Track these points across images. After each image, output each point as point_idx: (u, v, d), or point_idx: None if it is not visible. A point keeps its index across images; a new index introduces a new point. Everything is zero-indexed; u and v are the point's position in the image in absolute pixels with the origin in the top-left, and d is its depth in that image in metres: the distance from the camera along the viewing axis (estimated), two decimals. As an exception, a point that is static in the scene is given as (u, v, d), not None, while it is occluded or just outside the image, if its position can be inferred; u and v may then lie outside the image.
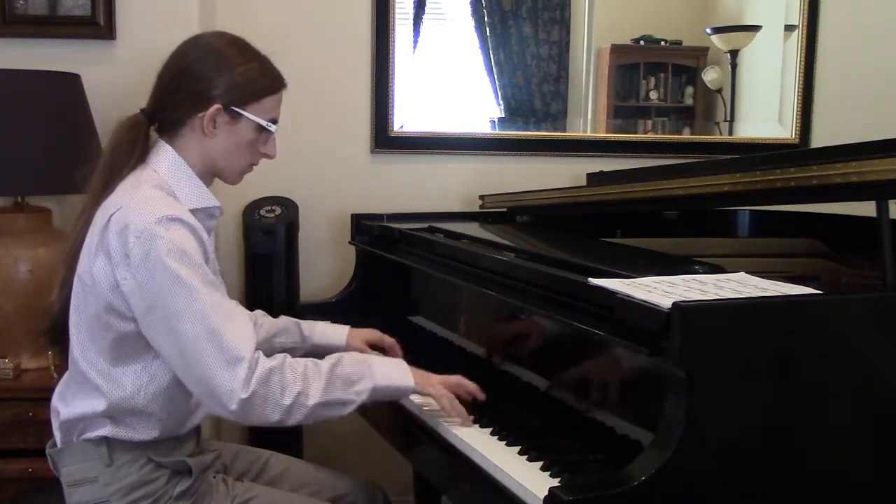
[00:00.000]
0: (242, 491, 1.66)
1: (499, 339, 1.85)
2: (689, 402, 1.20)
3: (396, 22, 2.76)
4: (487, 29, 2.87)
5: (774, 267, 1.84)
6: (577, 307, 1.47)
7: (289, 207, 2.68)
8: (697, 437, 1.21)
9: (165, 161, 1.59)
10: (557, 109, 2.93)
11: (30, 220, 2.30)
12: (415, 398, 1.69)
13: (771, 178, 1.68)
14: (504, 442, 1.49)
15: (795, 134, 2.93)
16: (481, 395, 1.65)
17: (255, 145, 1.64)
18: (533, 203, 2.47)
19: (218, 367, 1.44)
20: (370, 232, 2.43)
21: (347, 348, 1.88)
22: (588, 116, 2.96)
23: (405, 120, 2.82)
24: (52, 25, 2.44)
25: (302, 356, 1.58)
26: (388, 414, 1.80)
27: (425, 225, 2.29)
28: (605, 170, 2.57)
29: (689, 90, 2.98)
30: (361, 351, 1.87)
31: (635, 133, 2.96)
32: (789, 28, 2.91)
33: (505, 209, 2.60)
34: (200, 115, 1.58)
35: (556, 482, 1.30)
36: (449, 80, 2.88)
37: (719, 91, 2.96)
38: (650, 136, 2.96)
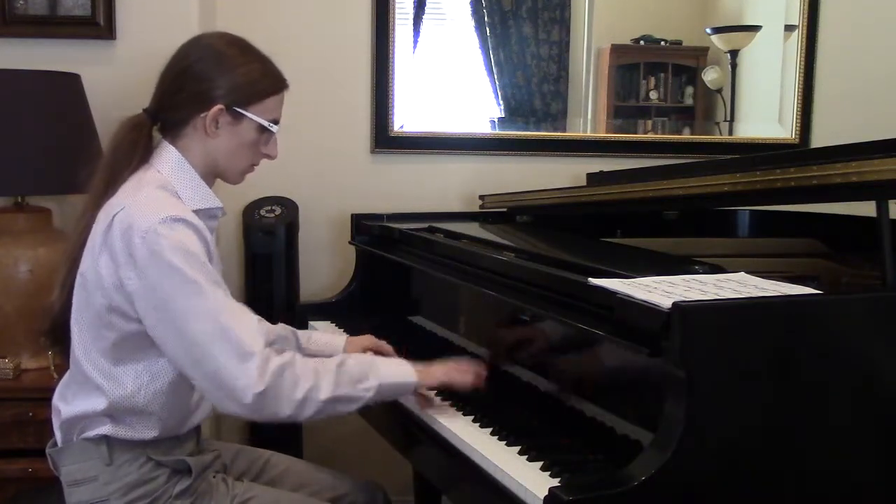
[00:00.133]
0: (242, 491, 1.66)
1: (499, 339, 1.85)
2: (689, 402, 1.20)
3: (396, 22, 2.76)
4: (487, 29, 2.87)
5: (774, 267, 1.83)
6: (577, 307, 1.47)
7: (289, 207, 2.69)
8: (697, 437, 1.21)
9: (169, 162, 1.60)
10: (557, 109, 2.93)
11: (30, 220, 2.30)
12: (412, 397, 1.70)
13: (771, 178, 1.68)
14: (504, 442, 1.49)
15: (795, 134, 2.93)
16: (480, 382, 1.68)
17: (256, 145, 1.65)
18: (533, 203, 2.47)
19: (230, 362, 1.44)
20: (370, 232, 2.43)
21: None
22: (588, 116, 2.96)
23: (405, 120, 2.82)
24: (52, 25, 2.44)
25: None
26: (387, 414, 1.80)
27: (425, 225, 2.29)
28: (605, 170, 2.57)
29: (689, 90, 2.98)
30: None
31: (635, 133, 2.97)
32: (789, 28, 2.91)
33: (505, 209, 2.60)
34: (203, 115, 1.58)
35: (556, 482, 1.30)
36: (449, 80, 2.88)
37: (719, 91, 2.96)
38: (650, 136, 2.96)
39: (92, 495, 1.56)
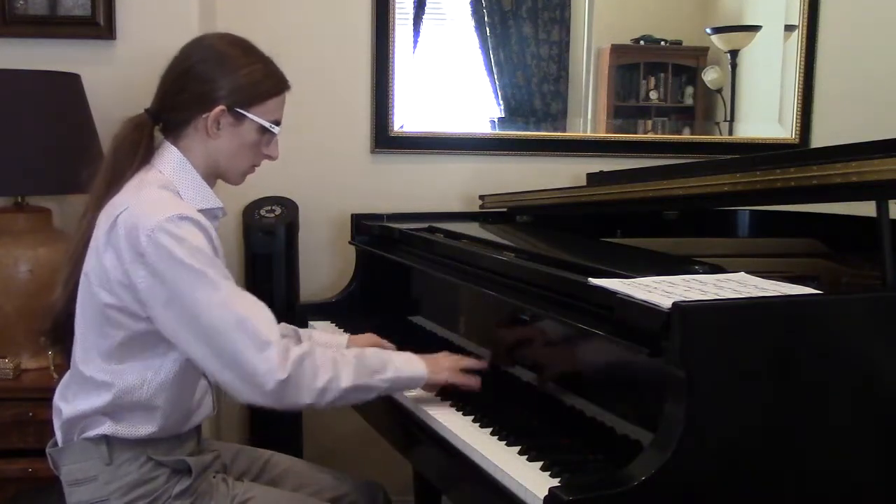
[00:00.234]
0: (242, 491, 1.66)
1: (499, 339, 1.85)
2: (689, 402, 1.20)
3: (396, 22, 2.76)
4: (487, 29, 2.87)
5: (774, 267, 1.83)
6: (577, 307, 1.47)
7: (289, 207, 2.69)
8: (697, 437, 1.21)
9: (171, 162, 1.60)
10: (557, 109, 2.93)
11: (30, 220, 2.30)
12: (409, 394, 1.72)
13: (771, 178, 1.68)
14: (504, 442, 1.48)
15: (795, 134, 2.93)
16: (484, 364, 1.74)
17: (257, 146, 1.65)
18: (533, 203, 2.47)
19: (250, 351, 1.45)
20: (370, 232, 2.43)
21: None
22: (588, 116, 2.96)
23: (405, 120, 2.82)
24: (52, 25, 2.44)
25: None
26: (387, 414, 1.80)
27: (425, 225, 2.29)
28: (605, 170, 2.56)
29: (689, 90, 2.98)
30: None
31: (635, 133, 2.97)
32: (789, 28, 2.91)
33: (505, 209, 2.60)
34: (204, 115, 1.58)
35: (556, 482, 1.30)
36: (449, 80, 2.88)
37: (719, 91, 2.96)
38: (650, 136, 2.96)
39: (92, 495, 1.56)
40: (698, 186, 1.88)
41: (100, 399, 1.55)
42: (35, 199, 2.35)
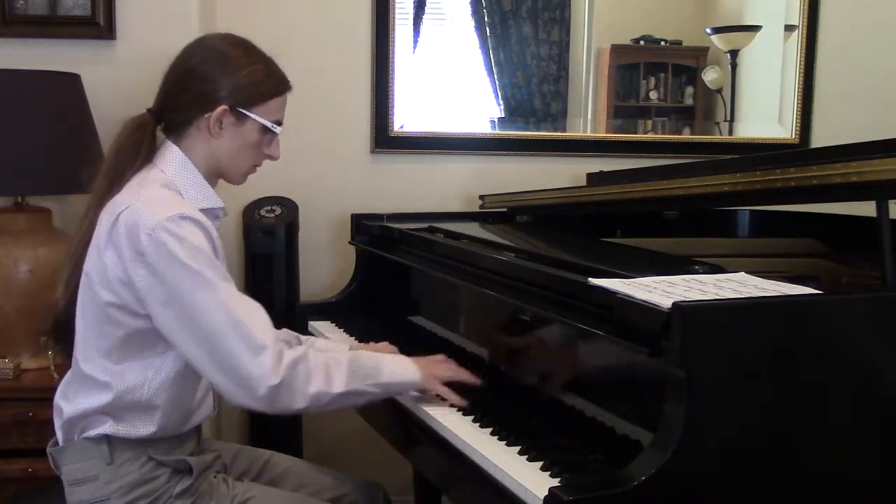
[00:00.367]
0: (243, 491, 1.66)
1: (499, 339, 1.85)
2: (689, 402, 1.20)
3: (396, 22, 2.76)
4: (487, 29, 2.87)
5: (774, 267, 1.83)
6: (577, 307, 1.47)
7: (289, 207, 2.69)
8: (697, 437, 1.21)
9: (173, 162, 1.60)
10: (557, 109, 2.93)
11: (30, 220, 2.30)
12: (412, 394, 1.71)
13: (771, 178, 1.68)
14: (504, 442, 1.48)
15: (795, 134, 2.93)
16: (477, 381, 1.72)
17: (259, 146, 1.65)
18: (533, 203, 2.47)
19: (244, 354, 1.45)
20: (370, 232, 2.43)
21: None
22: (588, 116, 2.96)
23: (405, 120, 2.82)
24: (52, 25, 2.44)
25: None
26: (387, 414, 1.80)
27: (425, 225, 2.29)
28: (605, 170, 2.57)
29: (689, 90, 2.98)
30: None
31: (635, 133, 2.97)
32: (789, 28, 2.91)
33: (505, 209, 2.60)
34: (206, 115, 1.59)
35: (556, 482, 1.30)
36: (449, 80, 2.88)
37: (719, 91, 2.96)
38: (650, 136, 2.96)
39: (92, 495, 1.57)
40: (698, 186, 1.88)
41: (101, 398, 1.55)
42: (35, 199, 2.35)
